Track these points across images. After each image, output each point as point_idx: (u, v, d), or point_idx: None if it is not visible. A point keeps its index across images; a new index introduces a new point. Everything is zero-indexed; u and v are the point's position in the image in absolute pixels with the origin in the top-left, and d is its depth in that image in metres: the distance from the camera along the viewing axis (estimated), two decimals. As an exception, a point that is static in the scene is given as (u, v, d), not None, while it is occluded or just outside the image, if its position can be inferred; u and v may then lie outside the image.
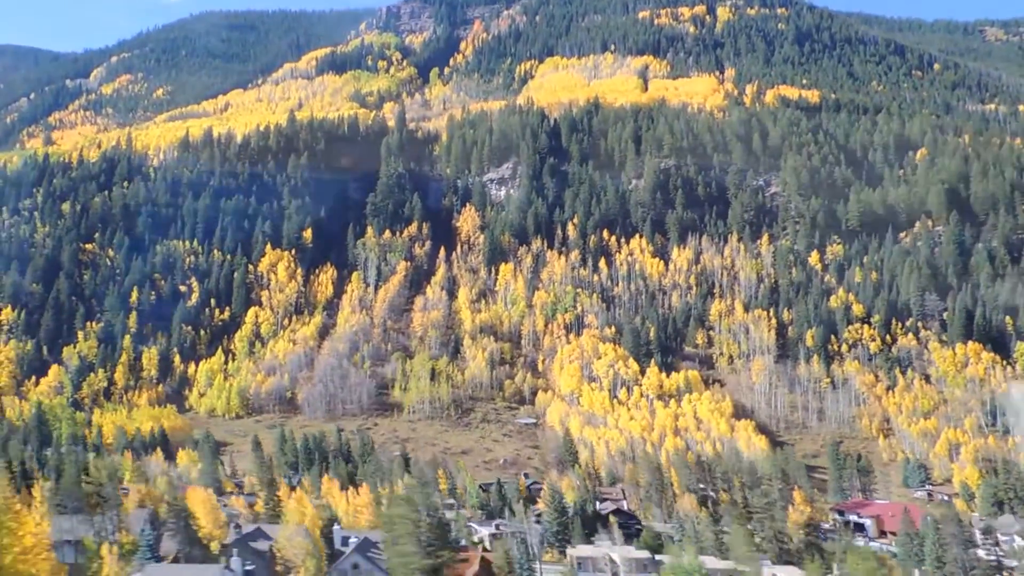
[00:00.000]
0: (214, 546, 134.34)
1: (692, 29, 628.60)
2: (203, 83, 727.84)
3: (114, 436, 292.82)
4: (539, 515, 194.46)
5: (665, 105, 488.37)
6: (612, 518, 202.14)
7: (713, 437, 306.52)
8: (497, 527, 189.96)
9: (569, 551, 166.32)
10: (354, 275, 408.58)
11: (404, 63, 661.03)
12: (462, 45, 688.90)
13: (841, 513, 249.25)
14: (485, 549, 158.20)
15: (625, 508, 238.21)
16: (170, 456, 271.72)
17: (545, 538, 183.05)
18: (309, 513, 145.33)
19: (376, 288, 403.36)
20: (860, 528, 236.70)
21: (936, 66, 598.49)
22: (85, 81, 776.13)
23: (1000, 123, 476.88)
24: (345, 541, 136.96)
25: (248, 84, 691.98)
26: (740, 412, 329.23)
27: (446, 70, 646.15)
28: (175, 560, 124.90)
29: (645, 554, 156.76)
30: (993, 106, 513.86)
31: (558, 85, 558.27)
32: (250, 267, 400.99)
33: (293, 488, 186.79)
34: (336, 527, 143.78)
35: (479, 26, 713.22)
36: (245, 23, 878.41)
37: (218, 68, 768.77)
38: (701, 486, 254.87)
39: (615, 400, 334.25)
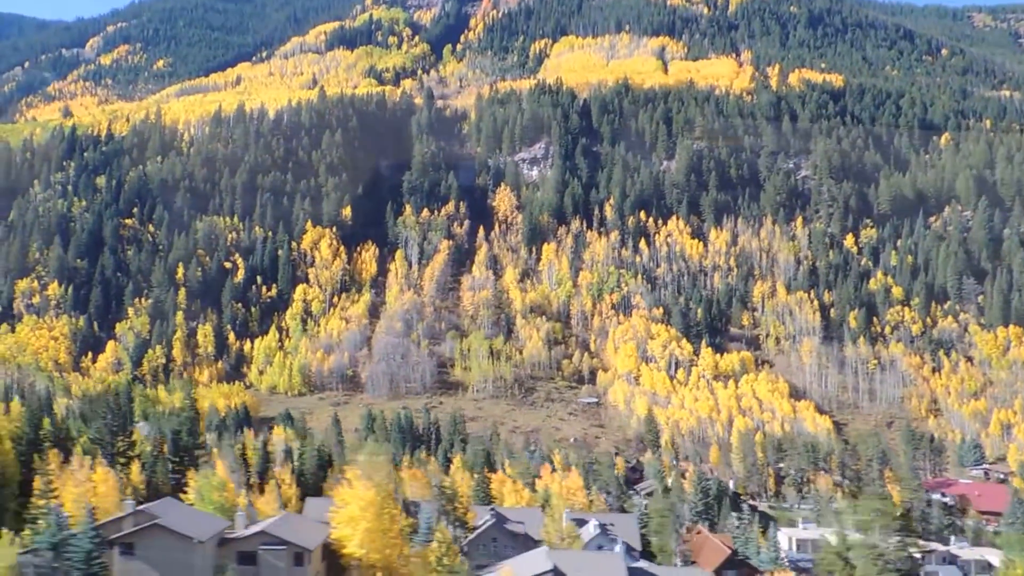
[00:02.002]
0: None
1: (706, 11, 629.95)
2: (204, 55, 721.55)
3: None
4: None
5: (693, 87, 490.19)
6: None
7: (778, 417, 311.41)
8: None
9: (786, 532, 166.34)
10: (397, 253, 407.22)
11: (416, 39, 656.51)
12: (472, 22, 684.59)
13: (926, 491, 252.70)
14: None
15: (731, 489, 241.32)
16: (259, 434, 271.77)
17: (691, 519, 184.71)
18: (526, 496, 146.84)
19: (420, 266, 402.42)
20: (946, 508, 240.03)
21: (944, 51, 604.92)
22: (82, 51, 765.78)
23: (1017, 110, 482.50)
24: (582, 524, 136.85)
25: (252, 57, 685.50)
26: (793, 393, 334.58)
27: (458, 47, 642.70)
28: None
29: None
30: (1007, 92, 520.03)
31: (576, 64, 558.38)
32: (292, 244, 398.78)
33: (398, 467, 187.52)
34: (566, 512, 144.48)
35: (488, 3, 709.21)
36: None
37: (218, 40, 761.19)
38: (781, 465, 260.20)
39: (674, 380, 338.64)
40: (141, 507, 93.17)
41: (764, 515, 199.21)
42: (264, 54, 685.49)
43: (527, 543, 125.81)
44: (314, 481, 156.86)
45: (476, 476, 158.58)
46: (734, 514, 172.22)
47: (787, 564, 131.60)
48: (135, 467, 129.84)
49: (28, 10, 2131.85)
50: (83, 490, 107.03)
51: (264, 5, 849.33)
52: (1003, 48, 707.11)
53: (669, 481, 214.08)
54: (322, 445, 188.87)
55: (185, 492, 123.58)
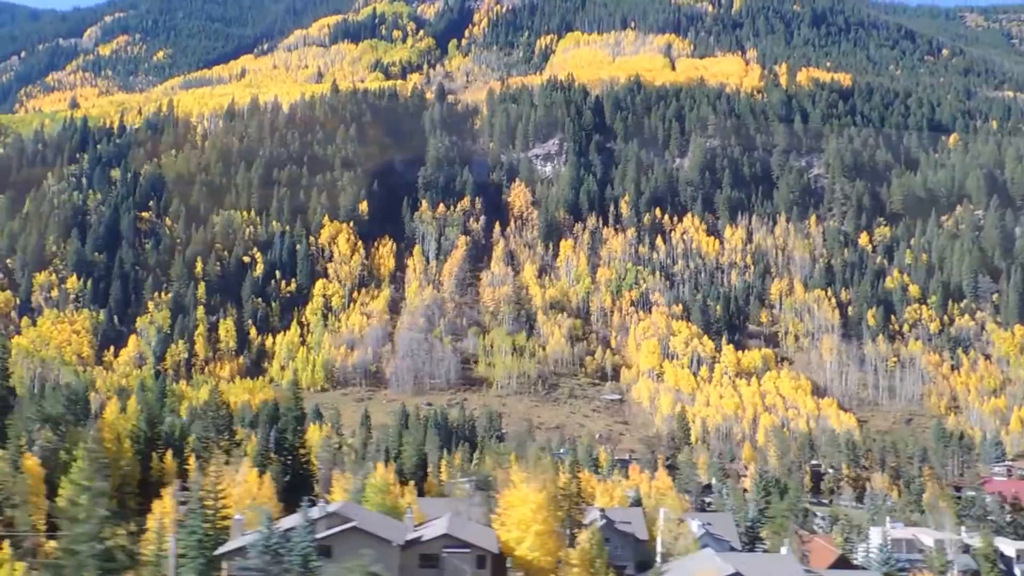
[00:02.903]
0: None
1: (711, 8, 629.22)
2: (204, 47, 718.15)
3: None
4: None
5: (704, 85, 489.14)
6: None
7: (803, 414, 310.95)
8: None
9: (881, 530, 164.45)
10: (415, 249, 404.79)
11: (421, 34, 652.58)
12: (476, 17, 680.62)
13: (957, 489, 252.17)
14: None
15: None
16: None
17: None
18: (617, 495, 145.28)
19: (439, 262, 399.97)
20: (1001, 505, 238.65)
21: (945, 52, 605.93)
22: (79, 41, 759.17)
23: (1022, 110, 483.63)
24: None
25: (254, 49, 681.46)
26: (815, 390, 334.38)
27: (463, 42, 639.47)
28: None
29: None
30: (1010, 93, 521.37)
31: (583, 61, 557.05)
32: (310, 239, 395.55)
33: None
34: (663, 511, 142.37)
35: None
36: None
37: (218, 32, 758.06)
38: (816, 462, 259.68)
39: (697, 377, 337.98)
40: (333, 509, 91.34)
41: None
42: (266, 46, 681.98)
43: (636, 544, 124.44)
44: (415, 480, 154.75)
45: (566, 475, 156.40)
46: (818, 514, 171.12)
47: (898, 565, 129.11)
48: (247, 467, 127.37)
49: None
50: (242, 491, 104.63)
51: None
52: (997, 48, 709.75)
53: (747, 482, 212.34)
54: (421, 444, 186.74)
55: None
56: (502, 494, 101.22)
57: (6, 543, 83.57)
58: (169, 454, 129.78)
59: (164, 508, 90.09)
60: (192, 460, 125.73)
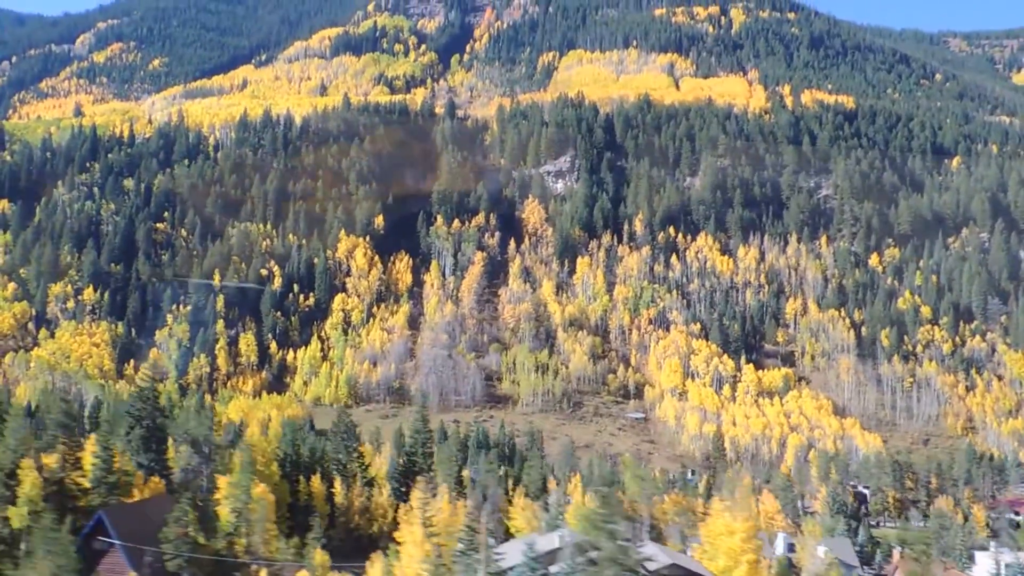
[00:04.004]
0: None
1: (711, 29, 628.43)
2: (200, 56, 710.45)
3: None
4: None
5: (713, 105, 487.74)
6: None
7: (829, 435, 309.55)
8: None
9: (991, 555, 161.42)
10: (432, 264, 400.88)
11: (423, 48, 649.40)
12: (476, 32, 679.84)
13: (1016, 513, 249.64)
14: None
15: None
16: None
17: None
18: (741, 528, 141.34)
19: (456, 278, 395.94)
20: (1017, 527, 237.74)
21: (938, 76, 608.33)
22: (72, 47, 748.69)
23: (1018, 135, 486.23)
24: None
25: (251, 59, 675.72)
26: (835, 411, 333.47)
27: (465, 57, 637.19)
28: None
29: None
30: (1006, 118, 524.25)
31: (587, 78, 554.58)
32: (327, 252, 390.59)
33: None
34: (781, 536, 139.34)
35: (491, 14, 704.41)
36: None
37: (213, 41, 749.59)
38: (852, 482, 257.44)
39: (720, 396, 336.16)
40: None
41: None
42: (264, 57, 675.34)
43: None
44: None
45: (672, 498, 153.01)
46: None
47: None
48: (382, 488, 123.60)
49: (5, 3, 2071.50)
50: (444, 518, 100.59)
51: (256, 7, 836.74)
52: (982, 73, 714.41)
53: (817, 504, 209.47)
54: (543, 466, 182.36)
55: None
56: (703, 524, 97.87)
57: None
58: (317, 478, 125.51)
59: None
60: (338, 484, 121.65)
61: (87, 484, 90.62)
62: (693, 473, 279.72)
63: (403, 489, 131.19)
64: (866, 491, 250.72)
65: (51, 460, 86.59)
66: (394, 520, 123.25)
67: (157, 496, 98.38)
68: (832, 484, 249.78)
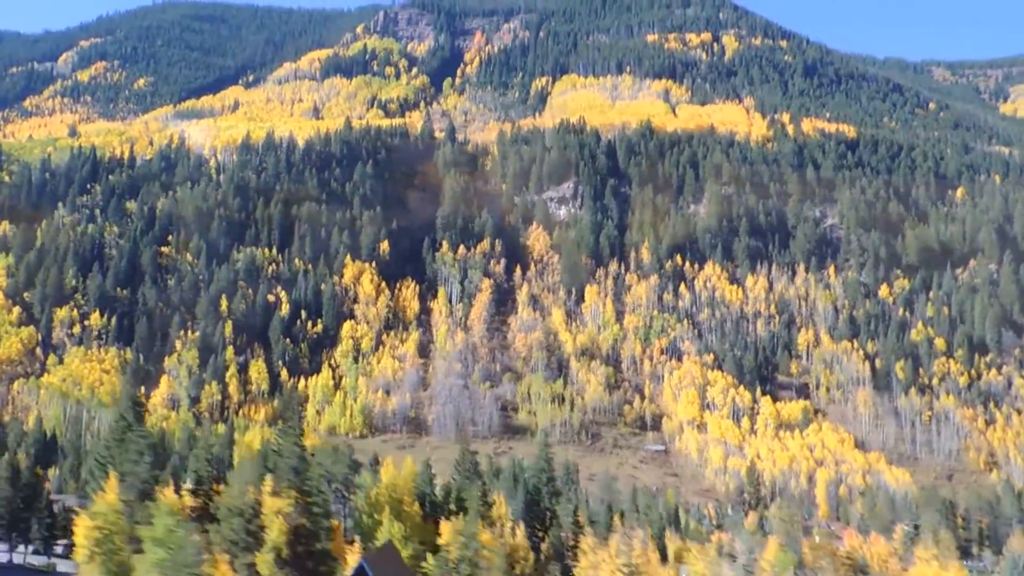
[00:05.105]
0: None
1: (704, 56, 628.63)
2: (186, 76, 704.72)
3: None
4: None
5: (715, 132, 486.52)
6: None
7: (857, 469, 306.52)
8: None
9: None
10: (440, 291, 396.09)
11: (415, 71, 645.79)
12: (467, 56, 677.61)
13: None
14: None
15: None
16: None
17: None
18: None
19: (464, 305, 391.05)
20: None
21: (931, 106, 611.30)
22: (55, 65, 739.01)
23: (1019, 165, 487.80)
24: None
25: (238, 80, 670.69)
26: (857, 444, 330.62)
27: (456, 80, 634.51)
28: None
29: None
30: (1005, 149, 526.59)
31: (583, 104, 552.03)
32: (334, 278, 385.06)
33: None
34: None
35: (481, 38, 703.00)
36: (213, 15, 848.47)
37: (199, 61, 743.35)
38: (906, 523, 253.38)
39: (739, 429, 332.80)
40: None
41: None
42: (251, 78, 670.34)
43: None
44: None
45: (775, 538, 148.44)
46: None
47: None
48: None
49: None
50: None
51: (239, 28, 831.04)
52: (968, 103, 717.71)
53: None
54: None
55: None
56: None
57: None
58: (460, 519, 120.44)
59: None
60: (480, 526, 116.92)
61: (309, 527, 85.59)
62: (733, 510, 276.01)
63: (536, 530, 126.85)
64: (914, 530, 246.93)
65: (283, 504, 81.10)
66: (537, 563, 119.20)
67: (389, 542, 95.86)
68: (881, 523, 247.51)
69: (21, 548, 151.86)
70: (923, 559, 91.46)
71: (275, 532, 78.32)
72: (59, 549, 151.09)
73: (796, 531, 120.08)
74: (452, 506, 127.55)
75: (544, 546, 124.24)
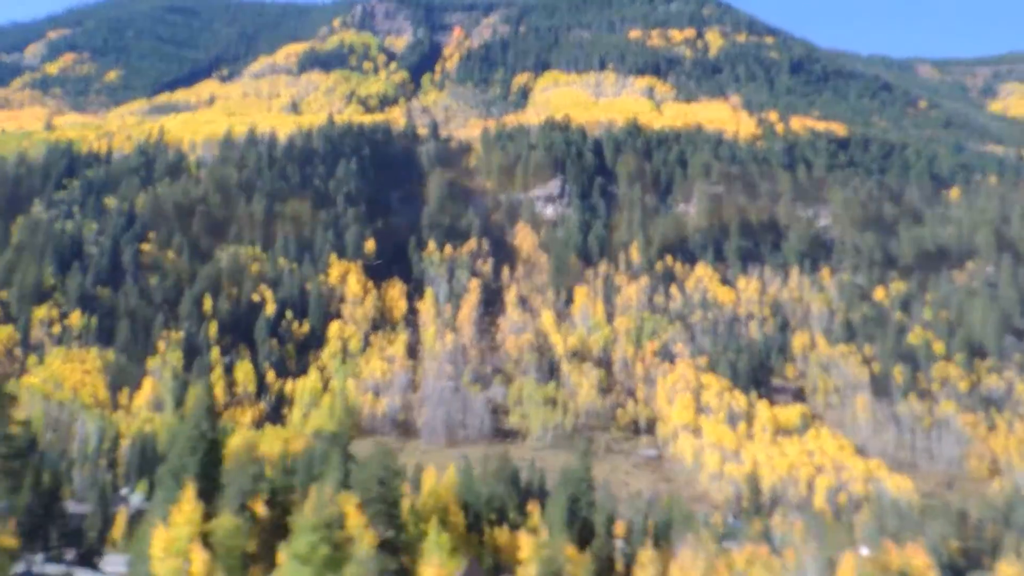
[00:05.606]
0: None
1: (688, 53, 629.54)
2: (158, 69, 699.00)
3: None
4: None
5: (703, 130, 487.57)
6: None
7: (857, 477, 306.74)
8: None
9: None
10: (428, 291, 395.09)
11: (393, 66, 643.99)
12: (446, 51, 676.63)
13: None
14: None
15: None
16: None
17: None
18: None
19: (452, 305, 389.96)
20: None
21: (921, 103, 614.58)
22: (21, 56, 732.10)
23: (1014, 166, 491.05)
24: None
25: (211, 73, 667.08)
26: (857, 451, 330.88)
27: (435, 76, 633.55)
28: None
29: None
30: (1000, 148, 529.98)
31: (566, 100, 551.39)
32: (320, 277, 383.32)
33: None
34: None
35: (460, 32, 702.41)
36: (184, 6, 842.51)
37: (171, 54, 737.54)
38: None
39: (735, 433, 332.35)
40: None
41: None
42: (226, 72, 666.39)
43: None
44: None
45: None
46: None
47: None
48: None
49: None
50: None
51: (212, 20, 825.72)
52: (955, 101, 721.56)
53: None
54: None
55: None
56: None
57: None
58: (505, 530, 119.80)
59: None
60: (532, 537, 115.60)
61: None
62: (736, 518, 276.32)
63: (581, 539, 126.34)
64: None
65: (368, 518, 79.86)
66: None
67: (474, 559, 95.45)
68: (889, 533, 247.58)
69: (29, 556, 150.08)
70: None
71: (365, 545, 77.41)
72: (70, 556, 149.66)
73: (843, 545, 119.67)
74: (492, 516, 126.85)
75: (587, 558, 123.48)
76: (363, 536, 77.48)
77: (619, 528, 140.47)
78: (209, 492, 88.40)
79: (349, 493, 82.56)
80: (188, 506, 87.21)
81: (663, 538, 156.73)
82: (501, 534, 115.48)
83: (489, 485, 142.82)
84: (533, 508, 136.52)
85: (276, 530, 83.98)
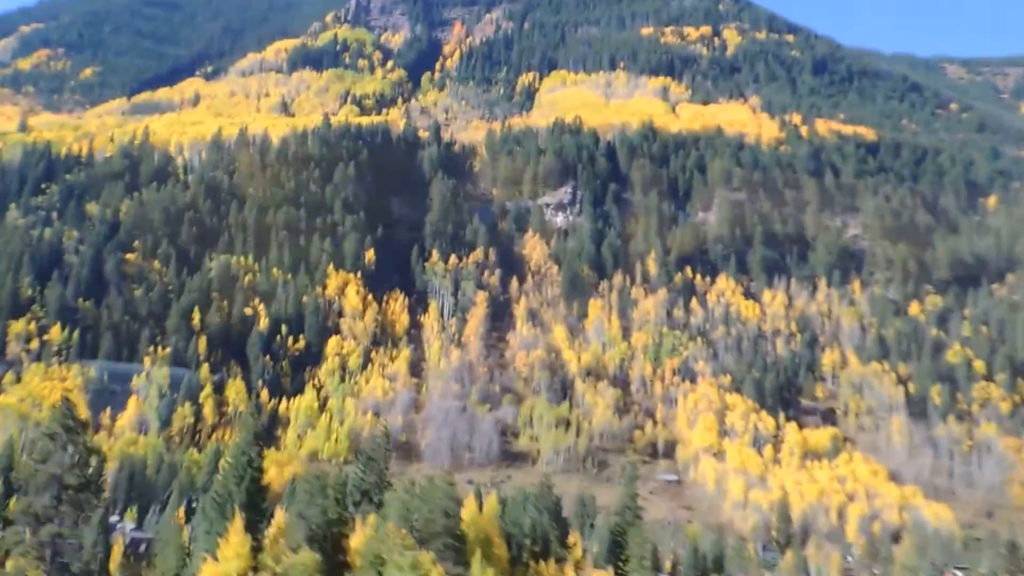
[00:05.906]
0: None
1: (704, 51, 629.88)
2: (137, 66, 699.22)
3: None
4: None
5: (723, 134, 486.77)
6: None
7: (892, 504, 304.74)
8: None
9: None
10: (431, 304, 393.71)
11: (390, 64, 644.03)
12: (446, 49, 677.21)
13: None
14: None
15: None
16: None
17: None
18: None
19: (458, 320, 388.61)
20: None
21: (952, 106, 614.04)
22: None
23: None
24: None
25: (195, 71, 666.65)
26: (891, 476, 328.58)
27: (435, 75, 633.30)
28: None
29: None
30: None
31: (575, 102, 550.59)
32: (317, 290, 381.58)
33: None
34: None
35: (460, 29, 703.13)
36: (165, 0, 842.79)
37: (150, 50, 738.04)
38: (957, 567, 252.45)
39: (762, 458, 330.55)
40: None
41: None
42: (210, 69, 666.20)
43: None
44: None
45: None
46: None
47: None
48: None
49: None
50: None
51: (194, 14, 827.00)
52: (987, 103, 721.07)
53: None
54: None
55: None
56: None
57: None
58: (552, 564, 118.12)
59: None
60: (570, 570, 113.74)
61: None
62: (765, 548, 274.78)
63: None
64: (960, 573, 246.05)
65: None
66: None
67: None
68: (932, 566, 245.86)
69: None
70: None
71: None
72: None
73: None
74: (535, 547, 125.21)
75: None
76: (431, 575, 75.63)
77: (667, 563, 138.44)
78: (255, 523, 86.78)
79: (409, 525, 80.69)
80: (236, 538, 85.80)
81: (717, 572, 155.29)
82: (547, 568, 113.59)
83: (531, 515, 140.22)
84: (575, 539, 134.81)
85: (334, 568, 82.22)
